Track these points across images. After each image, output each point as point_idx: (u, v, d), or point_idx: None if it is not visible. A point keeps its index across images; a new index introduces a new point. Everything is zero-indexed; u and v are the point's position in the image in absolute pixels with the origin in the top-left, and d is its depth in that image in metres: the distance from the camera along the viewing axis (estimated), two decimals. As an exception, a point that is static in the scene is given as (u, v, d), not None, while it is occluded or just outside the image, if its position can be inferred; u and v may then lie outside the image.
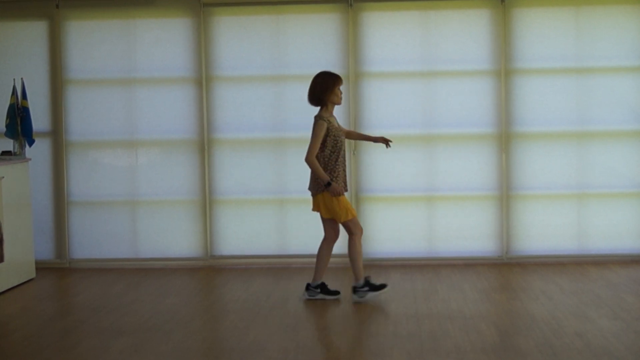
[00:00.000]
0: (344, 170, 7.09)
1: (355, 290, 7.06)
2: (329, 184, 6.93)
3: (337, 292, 7.22)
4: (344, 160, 7.09)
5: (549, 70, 8.66)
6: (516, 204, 8.73)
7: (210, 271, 8.67)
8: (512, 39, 8.63)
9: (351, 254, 7.08)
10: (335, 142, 7.02)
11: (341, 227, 7.16)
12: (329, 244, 7.23)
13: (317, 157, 7.00)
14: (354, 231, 7.08)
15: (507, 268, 8.50)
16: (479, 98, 8.70)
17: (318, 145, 6.99)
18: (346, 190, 7.05)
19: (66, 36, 8.81)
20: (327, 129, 6.99)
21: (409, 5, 8.70)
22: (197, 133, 8.81)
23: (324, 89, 7.05)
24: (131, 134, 8.89)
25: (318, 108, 7.12)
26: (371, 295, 7.05)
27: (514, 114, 8.67)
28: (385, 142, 7.36)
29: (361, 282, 7.06)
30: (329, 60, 8.66)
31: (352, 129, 8.61)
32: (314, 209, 7.19)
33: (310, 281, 7.26)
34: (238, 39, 8.77)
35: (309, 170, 8.23)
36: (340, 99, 7.13)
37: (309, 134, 8.83)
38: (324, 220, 7.16)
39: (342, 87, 8.81)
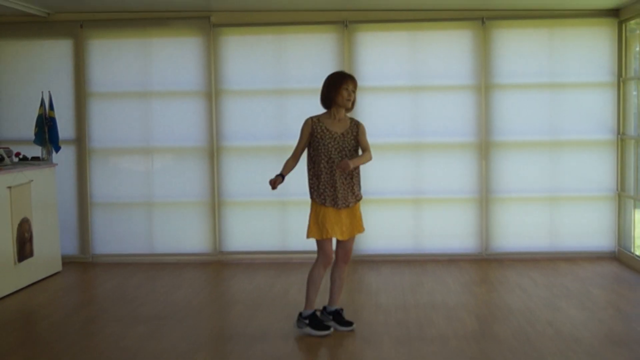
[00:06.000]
0: (332, 184, 5.80)
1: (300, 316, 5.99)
2: (280, 175, 5.86)
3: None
4: (332, 171, 5.80)
5: (525, 85, 8.68)
6: (494, 206, 8.75)
7: (218, 265, 8.67)
8: (491, 57, 8.65)
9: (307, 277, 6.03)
10: (318, 145, 5.80)
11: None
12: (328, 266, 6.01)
13: (308, 158, 5.92)
14: (318, 255, 5.95)
15: (486, 263, 8.52)
16: (461, 110, 8.71)
17: (299, 145, 5.88)
18: (336, 207, 5.84)
19: (89, 53, 8.83)
20: (313, 129, 5.81)
21: (399, 26, 8.72)
22: (207, 141, 8.82)
23: (329, 87, 5.84)
24: (147, 142, 8.90)
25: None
26: (309, 331, 5.89)
27: (492, 125, 8.69)
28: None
29: (306, 312, 5.95)
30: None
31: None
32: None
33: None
34: (244, 56, 8.78)
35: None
36: (349, 101, 5.81)
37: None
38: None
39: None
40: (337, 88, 5.79)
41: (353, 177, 5.90)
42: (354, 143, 5.88)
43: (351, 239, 5.99)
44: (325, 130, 5.81)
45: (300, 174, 9.09)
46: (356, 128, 5.90)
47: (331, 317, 6.03)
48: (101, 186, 8.93)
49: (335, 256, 6.00)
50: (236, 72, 8.78)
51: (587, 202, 8.75)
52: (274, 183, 5.86)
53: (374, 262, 8.59)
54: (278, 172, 5.95)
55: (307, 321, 5.89)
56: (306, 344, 5.68)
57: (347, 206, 5.87)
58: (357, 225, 5.97)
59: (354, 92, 5.86)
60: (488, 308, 6.67)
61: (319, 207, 5.86)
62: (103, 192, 8.94)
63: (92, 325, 6.29)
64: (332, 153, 5.80)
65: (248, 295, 7.22)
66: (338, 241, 5.97)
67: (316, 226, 5.87)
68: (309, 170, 5.92)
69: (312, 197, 5.93)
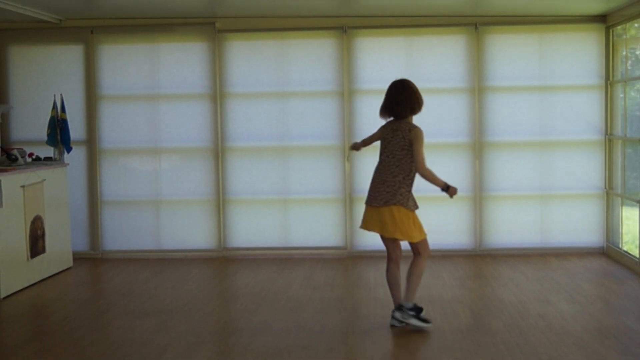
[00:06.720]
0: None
1: (401, 308, 5.74)
2: (447, 187, 5.82)
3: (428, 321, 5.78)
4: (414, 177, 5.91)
5: (516, 88, 8.64)
6: (488, 204, 8.72)
7: (223, 261, 8.64)
8: (484, 61, 8.62)
9: (413, 271, 5.76)
10: (412, 155, 5.84)
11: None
12: (397, 266, 5.81)
13: (404, 167, 5.80)
14: (423, 252, 5.79)
15: (479, 259, 8.49)
16: (455, 112, 8.68)
17: (423, 153, 5.77)
18: (417, 208, 5.85)
19: (99, 58, 8.79)
20: None
21: (396, 32, 8.68)
22: (212, 142, 8.78)
23: (419, 98, 5.89)
24: (155, 143, 8.85)
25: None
26: (414, 322, 5.70)
27: (486, 126, 8.66)
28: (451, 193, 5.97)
29: (410, 304, 5.76)
30: (326, 79, 8.65)
31: (348, 139, 8.59)
32: (370, 227, 5.79)
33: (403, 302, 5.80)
34: (248, 60, 8.74)
35: (308, 174, 8.12)
36: None
37: (309, 143, 8.84)
38: (385, 240, 5.80)
39: (338, 103, 8.81)
40: (422, 99, 5.88)
41: None
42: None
43: None
44: None
45: (302, 174, 9.08)
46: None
47: (413, 312, 5.74)
48: (111, 185, 8.89)
49: (397, 255, 5.87)
50: (240, 75, 8.74)
51: (576, 200, 8.71)
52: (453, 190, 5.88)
53: (372, 257, 8.55)
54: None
55: (412, 313, 5.70)
56: (307, 336, 5.65)
57: None
58: None
59: None
60: (482, 302, 6.64)
61: (412, 213, 5.77)
62: (112, 191, 8.90)
63: (102, 319, 6.27)
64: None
65: (251, 289, 7.19)
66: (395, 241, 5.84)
67: (420, 228, 5.80)
68: (404, 179, 5.80)
69: (403, 204, 5.73)
